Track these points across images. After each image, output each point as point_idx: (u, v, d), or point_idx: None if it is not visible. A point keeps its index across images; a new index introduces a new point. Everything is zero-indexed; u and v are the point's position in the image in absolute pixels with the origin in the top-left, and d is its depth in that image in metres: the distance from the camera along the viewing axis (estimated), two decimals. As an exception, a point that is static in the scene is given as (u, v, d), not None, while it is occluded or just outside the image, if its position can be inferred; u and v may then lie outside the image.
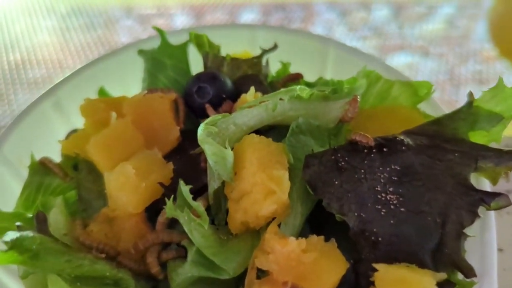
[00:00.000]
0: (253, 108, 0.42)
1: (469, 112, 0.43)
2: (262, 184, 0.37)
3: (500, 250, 0.54)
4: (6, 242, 0.33)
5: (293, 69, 0.53)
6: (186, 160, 0.44)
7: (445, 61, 1.22)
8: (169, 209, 0.36)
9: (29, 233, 0.34)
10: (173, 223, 0.40)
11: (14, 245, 0.33)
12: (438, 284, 0.36)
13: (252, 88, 0.45)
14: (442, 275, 0.36)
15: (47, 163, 0.44)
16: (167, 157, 0.44)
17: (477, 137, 0.42)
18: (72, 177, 0.44)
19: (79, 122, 0.48)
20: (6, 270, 0.40)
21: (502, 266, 0.52)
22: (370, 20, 1.47)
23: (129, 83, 0.51)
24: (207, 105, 0.45)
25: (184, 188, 0.35)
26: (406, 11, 1.94)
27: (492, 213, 0.39)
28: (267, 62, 0.54)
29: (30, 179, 0.44)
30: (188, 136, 0.47)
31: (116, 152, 0.42)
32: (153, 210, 0.41)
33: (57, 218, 0.40)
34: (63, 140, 0.44)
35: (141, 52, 0.52)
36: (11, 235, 0.33)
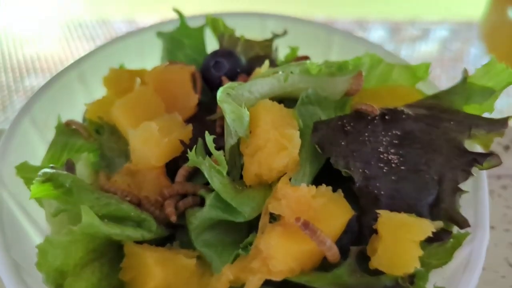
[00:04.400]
0: (266, 78, 0.46)
1: (464, 87, 0.47)
2: (275, 140, 0.41)
3: (492, 227, 0.57)
4: (43, 174, 0.36)
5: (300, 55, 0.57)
6: (202, 127, 0.48)
7: (438, 83, 1.28)
8: (192, 158, 0.39)
9: (63, 172, 0.37)
10: (190, 177, 0.43)
11: (50, 179, 0.36)
12: (435, 232, 0.39)
13: (267, 61, 0.49)
14: (439, 223, 0.39)
15: (72, 124, 0.47)
16: (186, 123, 0.47)
17: (471, 110, 0.46)
18: (95, 138, 0.47)
19: (99, 94, 0.51)
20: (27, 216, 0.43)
21: (493, 242, 0.56)
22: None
23: (147, 62, 0.54)
24: (223, 77, 0.49)
25: (208, 138, 0.38)
26: (401, 32, 2.02)
27: (484, 172, 0.42)
28: (276, 48, 0.58)
29: (56, 138, 0.47)
30: (204, 108, 0.50)
31: (139, 114, 0.45)
32: (172, 167, 0.44)
33: (82, 170, 0.43)
34: (88, 104, 0.48)
35: (159, 34, 0.56)
36: (47, 170, 0.36)
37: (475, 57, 1.89)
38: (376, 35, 1.93)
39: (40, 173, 0.36)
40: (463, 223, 0.40)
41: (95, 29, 1.78)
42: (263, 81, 0.45)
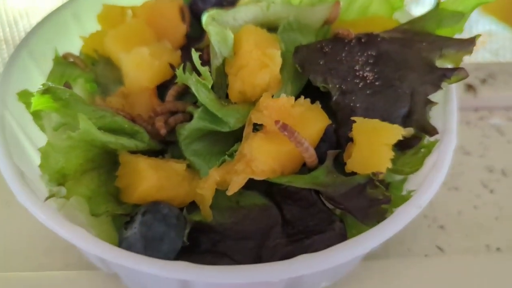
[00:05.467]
0: (249, 6, 0.48)
1: (436, 13, 0.49)
2: (257, 59, 0.44)
3: (468, 153, 0.60)
4: (43, 86, 0.39)
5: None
6: (190, 55, 0.51)
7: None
8: (180, 75, 0.42)
9: (61, 87, 0.40)
10: (180, 98, 0.47)
11: (49, 90, 0.39)
12: (407, 139, 0.42)
13: (250, -8, 0.51)
14: (410, 130, 0.42)
15: (69, 56, 0.50)
16: (175, 52, 0.50)
17: (443, 33, 0.49)
18: (90, 69, 0.50)
19: (93, 31, 0.54)
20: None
21: (470, 166, 0.59)
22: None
23: (138, 2, 0.57)
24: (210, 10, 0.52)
25: (195, 55, 0.41)
26: None
27: (453, 86, 0.45)
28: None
29: (54, 69, 0.50)
30: (192, 41, 0.53)
31: (131, 42, 0.48)
32: (163, 91, 0.47)
33: (79, 93, 0.46)
34: (84, 37, 0.51)
35: (150, -24, 0.59)
36: (47, 83, 0.39)
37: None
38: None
39: (40, 85, 0.39)
40: (432, 131, 0.43)
41: None
42: (247, 9, 0.48)
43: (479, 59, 0.86)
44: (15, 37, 0.91)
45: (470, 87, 0.66)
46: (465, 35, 0.47)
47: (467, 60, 0.46)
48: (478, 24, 1.05)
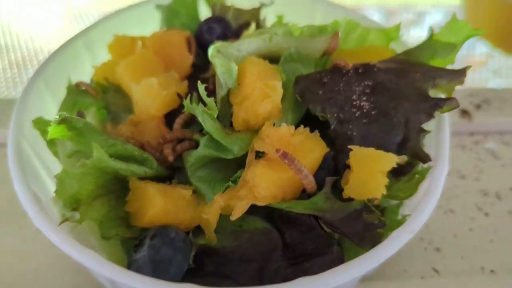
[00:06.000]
0: (252, 38, 0.51)
1: (430, 44, 0.52)
2: (260, 89, 0.46)
3: (463, 177, 0.63)
4: (59, 116, 0.41)
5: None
6: (196, 84, 0.53)
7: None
8: (187, 105, 0.45)
9: (75, 116, 0.43)
10: (186, 126, 0.49)
11: (64, 120, 0.41)
12: (401, 166, 0.45)
13: (253, 25, 0.54)
14: (404, 157, 0.45)
15: (82, 85, 0.53)
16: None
17: (436, 63, 0.51)
18: (102, 96, 0.53)
19: (105, 59, 0.57)
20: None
21: (465, 189, 0.61)
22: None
23: (147, 31, 0.60)
24: (215, 41, 0.55)
25: (201, 87, 0.44)
26: (396, 17, 2.07)
27: (445, 115, 0.47)
28: (265, 18, 0.63)
29: (67, 97, 0.53)
30: (198, 69, 0.56)
31: (141, 72, 0.50)
32: (170, 119, 0.50)
33: (91, 121, 0.49)
34: (96, 66, 0.54)
35: (158, 7, 0.62)
36: (63, 113, 0.42)
37: (470, 40, 1.93)
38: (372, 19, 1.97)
39: (56, 115, 0.42)
40: (425, 158, 0.45)
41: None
42: (250, 41, 0.51)
43: (482, 78, 0.89)
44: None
45: (465, 112, 0.68)
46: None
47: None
48: (475, 47, 1.08)
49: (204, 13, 0.62)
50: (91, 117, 0.50)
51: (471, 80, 0.94)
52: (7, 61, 1.02)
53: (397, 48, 0.56)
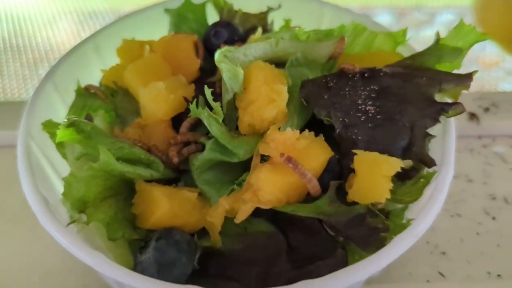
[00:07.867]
0: (259, 42, 0.51)
1: (436, 48, 0.52)
2: (266, 94, 0.47)
3: (470, 180, 0.62)
4: (67, 120, 0.42)
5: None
6: (203, 88, 0.53)
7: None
8: (193, 109, 0.45)
9: (83, 120, 0.44)
10: (192, 130, 0.50)
11: (73, 124, 0.42)
12: (406, 170, 0.45)
13: (260, 29, 0.55)
14: (409, 162, 0.45)
15: (91, 88, 0.54)
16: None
17: (443, 68, 0.51)
18: (110, 100, 0.53)
19: (113, 63, 0.58)
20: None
21: (472, 193, 0.61)
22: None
23: (156, 35, 0.61)
24: (222, 45, 0.55)
25: (207, 91, 0.44)
26: (407, 17, 2.06)
27: (451, 119, 0.47)
28: (272, 21, 0.64)
29: (76, 101, 0.54)
30: (205, 73, 0.56)
31: (148, 76, 0.51)
32: (177, 122, 0.51)
33: (99, 124, 0.49)
34: (104, 70, 0.54)
35: (167, 11, 0.63)
36: (71, 116, 0.43)
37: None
38: (382, 20, 1.96)
39: (65, 119, 0.42)
40: (430, 163, 0.45)
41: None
42: (257, 45, 0.51)
43: (494, 78, 0.88)
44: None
45: (473, 116, 0.68)
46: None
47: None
48: (485, 49, 1.07)
49: (213, 17, 0.63)
50: (100, 120, 0.51)
51: (481, 80, 0.94)
52: (19, 63, 1.03)
53: (404, 52, 0.56)
